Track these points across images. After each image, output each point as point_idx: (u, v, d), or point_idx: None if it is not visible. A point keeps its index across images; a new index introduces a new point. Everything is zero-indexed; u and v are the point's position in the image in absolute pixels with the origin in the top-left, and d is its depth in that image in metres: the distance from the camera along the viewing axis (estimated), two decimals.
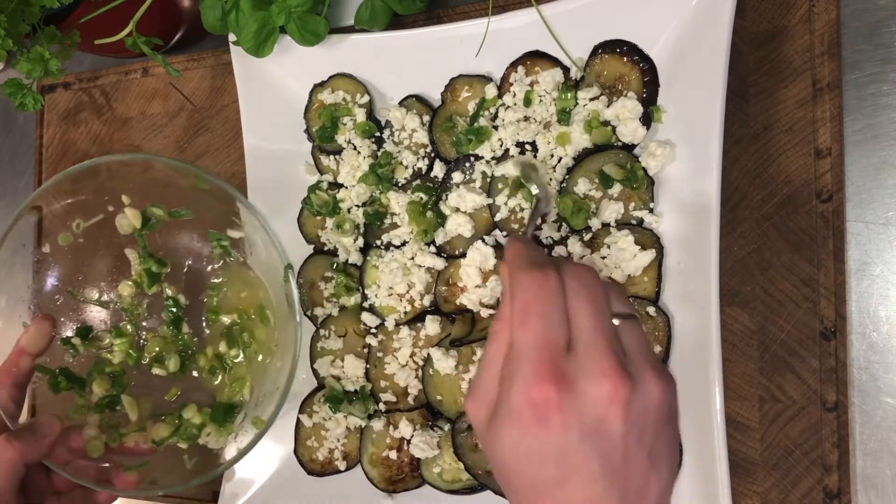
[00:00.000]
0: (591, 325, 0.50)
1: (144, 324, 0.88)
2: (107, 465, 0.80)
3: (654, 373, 0.50)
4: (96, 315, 0.88)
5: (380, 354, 0.84)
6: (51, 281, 0.85)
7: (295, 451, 0.86)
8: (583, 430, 0.47)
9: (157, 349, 0.87)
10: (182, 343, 0.88)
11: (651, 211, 0.75)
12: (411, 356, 0.83)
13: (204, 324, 0.89)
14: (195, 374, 0.89)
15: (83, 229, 0.84)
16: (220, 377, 0.87)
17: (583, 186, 0.77)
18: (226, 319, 0.88)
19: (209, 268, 0.89)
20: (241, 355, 0.87)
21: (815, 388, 0.71)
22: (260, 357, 0.87)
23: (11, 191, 1.19)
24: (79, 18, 0.88)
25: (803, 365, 0.71)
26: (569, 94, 0.77)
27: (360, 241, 0.86)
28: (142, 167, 0.82)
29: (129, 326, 0.87)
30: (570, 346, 0.50)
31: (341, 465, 0.84)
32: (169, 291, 0.88)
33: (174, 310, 0.88)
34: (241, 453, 0.79)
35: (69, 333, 0.86)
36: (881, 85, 0.72)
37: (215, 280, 0.89)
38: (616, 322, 0.53)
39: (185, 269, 0.88)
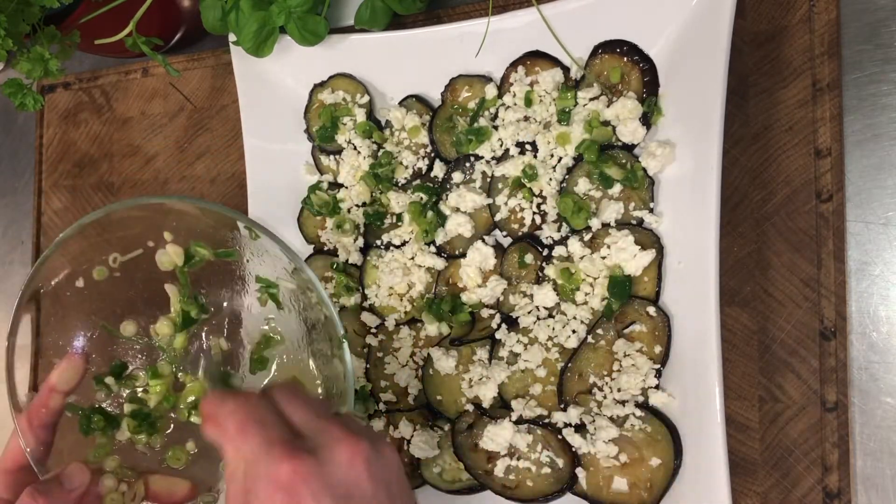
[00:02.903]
0: (309, 412, 0.54)
1: (182, 366, 0.81)
2: None
3: (382, 438, 0.54)
4: (130, 353, 0.81)
5: (380, 354, 0.84)
6: (84, 316, 0.79)
7: None
8: (335, 497, 0.48)
9: (195, 397, 0.79)
10: None
11: (651, 211, 0.75)
12: (411, 356, 0.83)
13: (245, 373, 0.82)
14: None
15: (120, 263, 0.78)
16: None
17: (583, 186, 0.77)
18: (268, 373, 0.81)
19: (254, 316, 0.82)
20: None
21: (815, 388, 0.71)
22: None
23: (11, 191, 1.19)
24: (79, 18, 0.88)
25: (803, 365, 0.71)
26: (569, 94, 0.77)
27: (360, 241, 0.86)
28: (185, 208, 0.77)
29: (166, 367, 0.79)
30: (298, 435, 0.52)
31: None
32: (210, 338, 0.81)
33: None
34: None
35: (102, 371, 0.78)
36: (881, 85, 0.72)
37: (264, 329, 0.81)
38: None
39: (228, 316, 0.82)
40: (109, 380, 0.77)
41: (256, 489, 0.49)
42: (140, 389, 0.79)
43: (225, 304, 0.81)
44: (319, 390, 0.77)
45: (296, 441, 0.51)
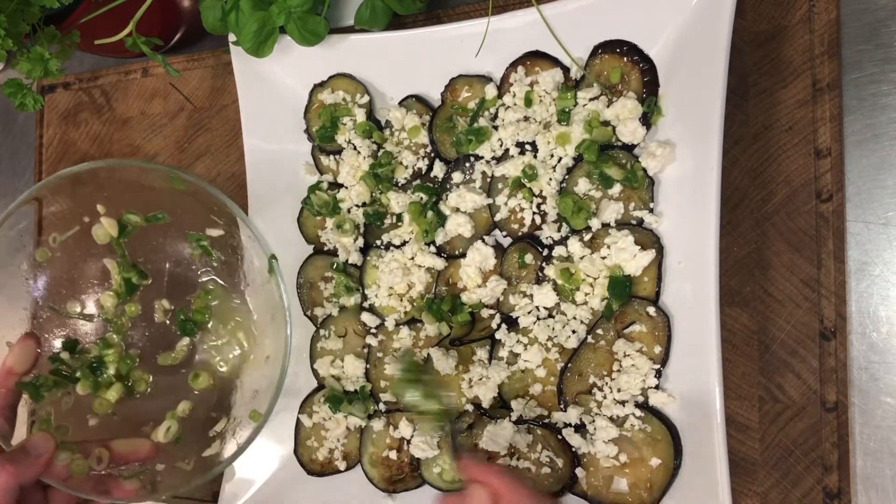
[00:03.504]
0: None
1: (131, 332, 0.88)
2: (105, 474, 0.78)
3: None
4: (82, 328, 0.87)
5: (380, 354, 0.84)
6: (33, 297, 0.85)
7: (295, 452, 0.86)
8: None
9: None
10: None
11: (651, 211, 0.75)
12: None
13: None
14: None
15: (59, 243, 0.83)
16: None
17: (583, 186, 0.77)
18: (210, 322, 0.88)
19: (191, 270, 0.88)
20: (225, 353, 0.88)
21: (815, 388, 0.71)
22: (248, 354, 0.88)
23: (11, 191, 1.19)
24: (79, 18, 0.88)
25: (803, 365, 0.71)
26: (569, 94, 0.77)
27: (360, 241, 0.86)
28: (111, 172, 0.82)
29: (115, 336, 0.86)
30: None
31: (341, 465, 0.84)
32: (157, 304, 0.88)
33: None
34: (241, 449, 0.79)
35: (56, 349, 0.85)
36: (881, 85, 0.72)
37: (202, 281, 0.88)
38: None
39: (167, 276, 0.88)
40: (64, 355, 0.84)
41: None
42: (94, 360, 0.85)
43: (165, 266, 0.88)
44: (255, 317, 0.85)
45: None
